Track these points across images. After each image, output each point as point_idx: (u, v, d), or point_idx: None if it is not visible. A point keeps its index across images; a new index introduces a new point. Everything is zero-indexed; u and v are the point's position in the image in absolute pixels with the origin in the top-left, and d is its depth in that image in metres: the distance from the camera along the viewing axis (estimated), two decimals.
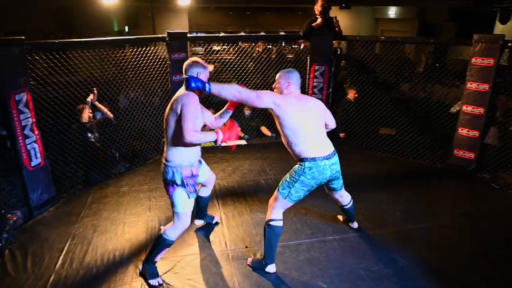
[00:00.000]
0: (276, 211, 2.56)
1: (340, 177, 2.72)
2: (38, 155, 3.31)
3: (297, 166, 2.50)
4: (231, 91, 2.34)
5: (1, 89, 2.94)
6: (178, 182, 2.39)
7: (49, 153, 3.59)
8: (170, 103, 2.38)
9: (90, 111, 4.06)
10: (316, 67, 4.89)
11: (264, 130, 5.49)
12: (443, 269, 2.69)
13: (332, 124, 2.73)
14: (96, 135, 4.13)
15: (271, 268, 2.60)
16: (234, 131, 2.49)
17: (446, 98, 4.93)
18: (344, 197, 2.93)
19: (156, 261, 2.54)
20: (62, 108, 3.69)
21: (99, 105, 4.09)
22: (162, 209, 3.47)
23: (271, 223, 2.53)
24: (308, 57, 4.92)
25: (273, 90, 2.60)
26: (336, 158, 2.57)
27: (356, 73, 4.94)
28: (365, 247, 2.93)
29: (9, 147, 3.13)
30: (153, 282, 2.51)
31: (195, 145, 2.41)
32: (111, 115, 4.20)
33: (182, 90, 2.37)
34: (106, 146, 4.18)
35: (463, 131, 4.20)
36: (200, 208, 3.09)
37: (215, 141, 2.38)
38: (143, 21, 11.42)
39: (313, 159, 2.44)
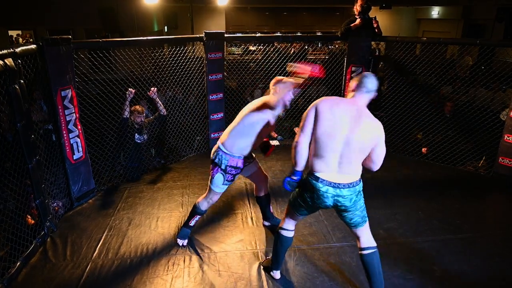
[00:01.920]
0: (286, 220, 2.42)
1: (355, 213, 2.16)
2: (80, 149, 3.48)
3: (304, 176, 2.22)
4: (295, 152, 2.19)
5: (49, 86, 3.12)
6: (222, 167, 2.62)
7: (91, 148, 3.77)
8: (256, 104, 2.60)
9: (143, 114, 4.18)
10: (353, 68, 4.78)
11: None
12: (482, 283, 2.54)
13: (375, 166, 2.14)
14: (145, 137, 4.23)
15: (275, 274, 2.55)
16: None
17: (491, 103, 4.66)
18: (362, 239, 2.26)
19: (191, 226, 2.90)
20: (104, 104, 3.85)
21: (158, 100, 4.19)
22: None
23: (279, 230, 2.43)
24: (345, 58, 4.82)
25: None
26: (347, 192, 2.08)
27: (395, 75, 4.78)
28: (398, 254, 2.82)
29: (54, 141, 3.31)
30: (180, 241, 2.93)
31: (253, 144, 2.62)
32: (165, 112, 4.31)
33: (270, 99, 2.56)
34: (146, 143, 4.30)
35: (509, 138, 3.94)
36: (261, 209, 3.17)
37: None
38: (182, 21, 11.69)
39: (317, 179, 2.10)
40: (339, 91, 5.02)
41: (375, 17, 4.67)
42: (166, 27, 12.12)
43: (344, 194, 2.07)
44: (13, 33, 11.56)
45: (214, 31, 4.45)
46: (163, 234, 3.10)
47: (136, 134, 4.13)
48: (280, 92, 2.50)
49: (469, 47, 5.47)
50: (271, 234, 3.08)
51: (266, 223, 3.19)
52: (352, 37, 4.68)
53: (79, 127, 3.45)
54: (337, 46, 5.70)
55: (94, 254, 2.83)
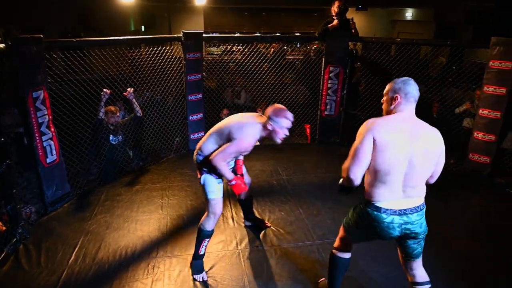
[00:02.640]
0: (341, 243, 2.19)
1: (421, 242, 1.99)
2: (54, 152, 3.37)
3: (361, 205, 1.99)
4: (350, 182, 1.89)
5: (19, 87, 3.00)
6: (208, 169, 2.46)
7: (65, 151, 3.66)
8: (234, 119, 2.49)
9: (118, 115, 4.10)
10: (331, 69, 4.85)
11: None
12: (460, 275, 2.63)
13: (433, 178, 1.97)
14: (120, 138, 4.15)
15: None
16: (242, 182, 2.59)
17: (461, 101, 4.83)
18: (419, 273, 2.07)
19: (201, 254, 2.59)
20: (79, 106, 3.75)
21: (134, 101, 4.11)
22: (174, 208, 3.49)
23: (335, 252, 2.22)
24: (323, 58, 4.89)
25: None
26: (417, 217, 1.88)
27: (371, 74, 4.88)
28: (377, 250, 2.87)
29: (25, 144, 3.20)
30: (197, 277, 2.57)
31: None
32: (141, 113, 4.24)
33: (249, 119, 2.47)
34: (122, 145, 4.22)
35: (479, 135, 4.10)
36: (243, 210, 3.14)
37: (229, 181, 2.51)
38: (160, 20, 11.54)
39: (379, 209, 1.85)
40: (317, 90, 5.08)
41: (352, 19, 4.76)
42: (143, 27, 11.93)
43: (413, 220, 1.85)
44: None
45: (192, 31, 4.42)
46: (142, 237, 3.04)
47: (111, 136, 4.05)
48: (275, 127, 2.38)
49: (441, 48, 5.66)
50: (253, 234, 3.08)
51: (247, 223, 3.19)
52: (329, 37, 4.75)
53: (53, 129, 3.34)
54: (315, 46, 5.76)
55: (70, 260, 2.75)
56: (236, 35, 5.06)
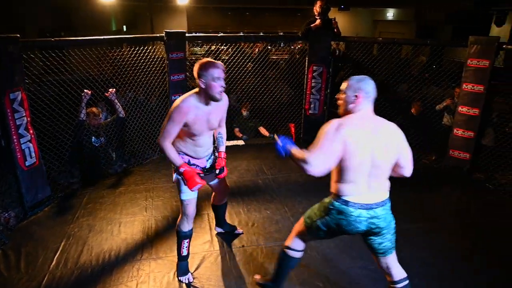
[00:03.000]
0: (295, 239, 2.20)
1: (387, 236, 1.99)
2: (33, 154, 3.28)
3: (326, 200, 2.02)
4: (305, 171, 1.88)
5: None
6: (174, 168, 2.34)
7: (45, 153, 3.57)
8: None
9: (100, 117, 4.03)
10: (315, 68, 4.89)
11: (262, 130, 5.49)
12: (440, 269, 2.69)
13: (407, 170, 2.02)
14: (102, 139, 4.08)
15: None
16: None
17: (442, 99, 4.94)
18: (394, 271, 2.05)
19: (184, 256, 2.55)
20: (59, 107, 3.67)
21: (116, 102, 4.03)
22: (159, 209, 3.45)
23: (286, 249, 2.21)
24: (307, 58, 4.92)
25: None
26: (382, 211, 1.92)
27: (354, 74, 4.93)
28: (361, 246, 2.89)
29: (3, 146, 3.10)
30: (183, 278, 2.54)
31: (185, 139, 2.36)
32: (124, 114, 4.16)
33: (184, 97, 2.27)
34: (104, 146, 4.15)
35: (458, 132, 4.20)
36: (216, 216, 3.06)
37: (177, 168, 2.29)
38: (142, 20, 11.40)
39: (346, 203, 1.88)
40: (301, 90, 5.11)
41: (334, 18, 4.80)
42: (124, 27, 11.76)
43: (379, 214, 1.89)
44: None
45: (175, 31, 4.37)
46: (126, 239, 3.00)
47: (93, 137, 3.97)
48: (206, 81, 2.20)
49: (422, 47, 5.78)
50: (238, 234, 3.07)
51: (219, 230, 3.11)
52: (312, 37, 4.79)
53: (31, 131, 3.25)
54: (299, 46, 5.80)
55: (52, 265, 2.68)
56: (219, 34, 5.04)
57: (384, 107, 4.73)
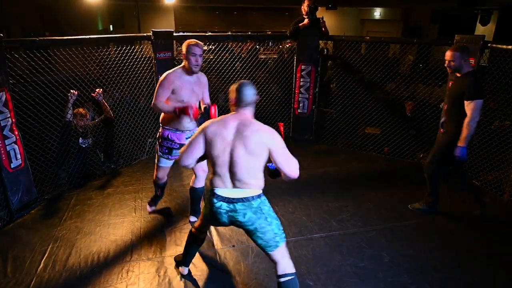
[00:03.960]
0: (201, 222, 2.42)
1: (257, 234, 2.07)
2: (18, 156, 3.22)
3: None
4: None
5: None
6: (157, 137, 2.92)
7: (31, 155, 3.50)
8: None
9: (88, 117, 3.98)
10: (303, 67, 4.91)
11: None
12: (428, 265, 2.73)
13: (287, 174, 2.09)
14: (90, 141, 4.03)
15: (184, 270, 2.57)
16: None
17: (429, 97, 5.02)
18: (277, 266, 2.11)
19: (158, 194, 3.31)
20: (44, 108, 3.60)
21: (104, 102, 3.98)
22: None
23: (193, 230, 2.44)
24: (295, 57, 4.94)
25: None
26: (241, 207, 2.02)
27: (342, 73, 4.98)
28: (351, 244, 2.95)
29: None
30: (149, 208, 3.21)
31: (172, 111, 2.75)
32: (112, 114, 4.11)
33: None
34: (92, 147, 4.10)
35: None
36: (191, 201, 3.14)
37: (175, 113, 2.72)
38: (128, 20, 11.28)
39: (213, 194, 2.06)
40: (290, 88, 5.13)
41: (322, 17, 4.83)
42: (111, 26, 11.62)
43: (237, 209, 2.02)
44: None
45: (163, 30, 4.34)
46: (115, 241, 2.97)
47: (80, 138, 3.92)
48: (185, 56, 2.75)
49: (409, 46, 5.85)
50: (230, 232, 3.07)
51: (192, 219, 3.17)
52: (301, 36, 4.80)
53: (16, 132, 3.19)
54: (288, 45, 5.81)
55: (39, 268, 2.64)
56: (207, 34, 5.02)
57: (374, 106, 4.79)
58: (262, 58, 6.02)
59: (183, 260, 2.56)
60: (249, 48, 5.99)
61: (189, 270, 2.61)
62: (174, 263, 2.70)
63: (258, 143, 1.99)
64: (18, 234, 3.05)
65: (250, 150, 1.98)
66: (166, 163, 2.99)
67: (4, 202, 3.19)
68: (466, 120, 2.89)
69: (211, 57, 5.24)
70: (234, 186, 2.04)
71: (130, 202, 3.56)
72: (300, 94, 5.03)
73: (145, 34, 4.34)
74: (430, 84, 5.31)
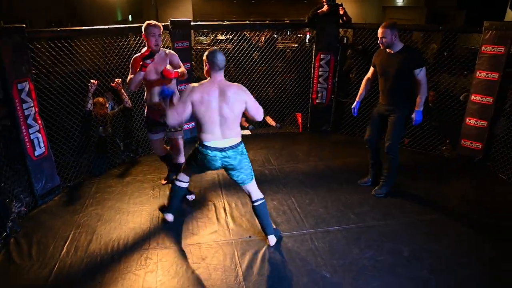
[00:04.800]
0: (182, 174, 2.84)
1: (241, 171, 2.60)
2: (42, 144, 3.31)
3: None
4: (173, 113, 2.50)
5: (3, 78, 2.92)
6: (145, 114, 3.29)
7: (53, 143, 3.59)
8: None
9: (107, 106, 4.05)
10: (322, 56, 4.81)
11: (269, 120, 5.45)
12: (451, 261, 2.66)
13: (257, 116, 2.58)
14: (109, 130, 4.10)
15: (168, 216, 2.92)
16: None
17: (454, 87, 4.83)
18: (252, 194, 2.71)
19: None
20: (66, 97, 3.67)
21: (123, 92, 4.04)
22: (166, 198, 3.46)
23: (176, 181, 2.84)
24: (314, 46, 4.84)
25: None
26: (232, 153, 2.52)
27: (363, 62, 4.85)
28: (369, 237, 2.90)
29: (13, 137, 3.13)
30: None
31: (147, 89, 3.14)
32: (130, 104, 4.17)
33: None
34: (111, 136, 4.17)
35: (471, 121, 4.12)
36: (169, 166, 3.63)
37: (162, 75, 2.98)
38: (147, 9, 11.34)
39: (206, 147, 2.52)
40: (308, 78, 5.05)
41: (341, 4, 4.69)
42: (130, 16, 11.71)
43: (230, 155, 2.52)
44: None
45: (180, 19, 4.33)
46: (134, 229, 3.02)
47: (100, 127, 3.99)
48: (144, 36, 3.00)
49: (433, 34, 5.63)
50: (247, 223, 3.08)
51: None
52: (319, 24, 4.70)
53: (40, 121, 3.27)
54: (308, 34, 5.70)
55: (62, 253, 2.72)
56: (225, 23, 4.97)
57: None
58: (280, 47, 5.93)
59: (168, 209, 2.93)
60: (267, 37, 5.91)
61: (203, 259, 2.64)
62: (192, 251, 2.73)
63: (238, 100, 2.46)
64: (42, 220, 3.15)
65: (233, 107, 2.45)
66: (152, 136, 3.32)
67: (28, 188, 3.29)
68: (421, 86, 3.16)
69: (229, 46, 5.20)
70: (224, 137, 2.49)
71: (148, 191, 3.61)
72: (318, 84, 4.94)
73: (163, 24, 4.32)
74: (455, 74, 5.12)
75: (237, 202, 3.38)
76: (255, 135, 5.15)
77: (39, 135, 3.28)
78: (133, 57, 3.09)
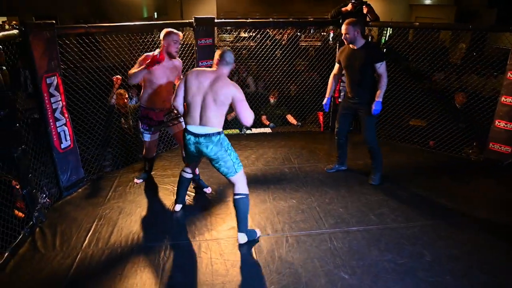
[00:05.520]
0: (186, 166, 3.07)
1: (220, 163, 2.66)
2: (68, 137, 3.41)
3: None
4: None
5: (33, 72, 3.03)
6: (139, 115, 3.37)
7: (79, 136, 3.70)
8: None
9: (126, 96, 4.17)
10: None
11: (290, 118, 5.42)
12: (474, 267, 2.56)
13: (242, 120, 2.61)
14: (131, 123, 4.19)
15: (176, 207, 3.22)
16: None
17: (483, 89, 4.66)
18: (234, 187, 2.79)
19: (146, 169, 3.78)
20: (92, 92, 3.77)
21: (115, 88, 4.12)
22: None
23: (181, 172, 3.11)
24: (337, 44, 4.77)
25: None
26: (203, 140, 2.60)
27: (387, 61, 4.73)
28: (390, 239, 2.84)
29: (41, 130, 3.24)
30: (136, 180, 3.63)
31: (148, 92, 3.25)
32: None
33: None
34: (134, 131, 4.25)
35: (500, 124, 3.96)
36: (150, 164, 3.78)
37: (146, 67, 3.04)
38: (172, 7, 11.49)
39: (186, 130, 2.68)
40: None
41: (366, 2, 4.59)
42: (156, 13, 11.89)
43: (201, 142, 2.60)
44: None
45: (204, 17, 4.36)
46: (154, 222, 3.07)
47: (122, 119, 4.09)
48: (166, 43, 3.15)
49: (461, 33, 5.45)
50: (265, 220, 3.07)
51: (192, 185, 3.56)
52: (343, 21, 4.61)
53: (66, 115, 3.37)
54: (332, 33, 5.62)
55: (84, 244, 2.80)
56: (248, 20, 4.96)
57: (420, 97, 4.53)
58: (303, 45, 5.88)
59: (176, 200, 3.19)
60: (290, 35, 5.87)
61: (220, 255, 2.66)
62: (210, 246, 2.76)
63: (225, 94, 2.54)
64: (66, 211, 3.25)
65: (218, 100, 2.54)
66: (150, 137, 3.42)
67: (54, 180, 3.40)
68: (382, 79, 3.36)
69: (252, 44, 5.20)
70: (201, 124, 2.60)
71: (168, 186, 3.66)
72: (341, 83, 4.86)
73: (187, 21, 4.38)
74: (485, 75, 4.93)
75: (256, 200, 3.37)
76: (275, 133, 5.14)
77: (66, 128, 3.38)
78: (145, 54, 3.19)
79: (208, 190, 3.53)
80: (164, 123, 3.38)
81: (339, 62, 3.64)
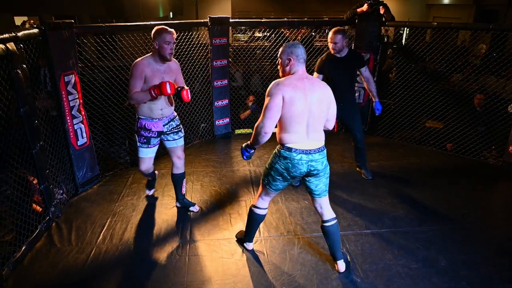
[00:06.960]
0: (260, 199, 2.53)
1: (322, 179, 2.35)
2: (84, 135, 3.47)
3: (275, 151, 2.34)
4: (261, 136, 2.25)
5: (52, 70, 3.09)
6: (135, 129, 2.91)
7: (95, 134, 3.76)
8: None
9: None
10: (361, 55, 4.67)
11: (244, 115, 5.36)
12: (492, 274, 2.50)
13: (330, 123, 2.37)
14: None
15: (248, 246, 2.73)
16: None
17: (502, 91, 4.54)
18: (325, 212, 2.44)
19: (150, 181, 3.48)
20: (108, 91, 3.83)
21: None
22: (198, 193, 3.53)
23: (253, 208, 2.56)
24: (353, 44, 4.72)
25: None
26: (319, 156, 2.25)
27: (404, 61, 4.67)
28: (403, 243, 2.79)
29: (58, 127, 3.30)
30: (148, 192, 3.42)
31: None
32: None
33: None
34: None
35: None
36: (174, 189, 3.23)
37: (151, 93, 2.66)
38: (188, 7, 11.57)
39: (290, 149, 2.23)
40: None
41: (382, 2, 4.53)
42: (171, 13, 11.99)
43: (316, 158, 2.25)
44: (19, 20, 11.51)
45: (219, 16, 4.37)
46: (167, 220, 3.10)
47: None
48: (158, 43, 2.67)
49: (481, 33, 5.31)
50: (276, 221, 3.07)
51: (178, 205, 3.26)
52: (360, 22, 4.57)
53: (83, 113, 3.43)
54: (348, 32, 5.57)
55: (99, 240, 2.85)
56: (263, 20, 4.96)
57: (437, 99, 4.44)
58: (317, 45, 5.84)
59: (247, 238, 2.72)
60: (305, 35, 5.84)
61: (233, 255, 2.66)
62: (221, 246, 2.76)
63: (325, 96, 2.24)
64: (81, 207, 3.31)
65: (321, 104, 2.22)
66: (147, 153, 2.95)
67: (70, 176, 3.47)
68: (369, 81, 3.56)
69: (266, 44, 5.19)
70: (311, 139, 2.23)
71: None
72: (356, 84, 4.81)
73: (202, 21, 4.40)
74: (505, 76, 4.80)
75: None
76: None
77: (82, 126, 3.44)
78: (136, 64, 2.70)
79: (195, 209, 3.24)
80: (164, 134, 2.97)
81: (320, 72, 3.50)
